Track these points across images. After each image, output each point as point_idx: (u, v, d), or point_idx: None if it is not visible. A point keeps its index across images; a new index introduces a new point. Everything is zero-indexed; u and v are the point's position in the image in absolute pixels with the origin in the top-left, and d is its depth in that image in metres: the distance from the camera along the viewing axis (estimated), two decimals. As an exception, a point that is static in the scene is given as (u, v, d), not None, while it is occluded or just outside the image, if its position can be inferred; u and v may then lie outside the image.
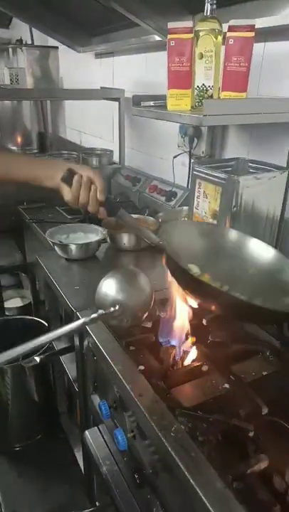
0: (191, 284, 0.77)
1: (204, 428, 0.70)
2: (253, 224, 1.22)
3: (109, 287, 0.84)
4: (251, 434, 0.69)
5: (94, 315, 0.80)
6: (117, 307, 0.81)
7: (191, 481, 0.58)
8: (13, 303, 2.13)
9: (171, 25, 1.12)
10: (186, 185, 1.66)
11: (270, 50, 1.30)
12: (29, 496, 1.27)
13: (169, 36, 1.12)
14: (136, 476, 0.77)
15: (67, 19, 2.22)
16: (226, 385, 0.80)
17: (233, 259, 0.98)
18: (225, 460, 0.64)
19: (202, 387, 0.79)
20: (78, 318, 1.00)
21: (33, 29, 2.81)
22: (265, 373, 0.84)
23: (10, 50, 3.05)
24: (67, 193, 1.12)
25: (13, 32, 3.40)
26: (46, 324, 1.48)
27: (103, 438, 0.98)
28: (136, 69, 2.01)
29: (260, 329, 0.96)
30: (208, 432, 0.69)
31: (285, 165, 1.24)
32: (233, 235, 1.05)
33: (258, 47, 1.30)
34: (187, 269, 0.77)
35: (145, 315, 0.85)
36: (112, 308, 0.81)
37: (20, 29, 3.17)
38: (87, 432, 1.00)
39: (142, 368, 0.83)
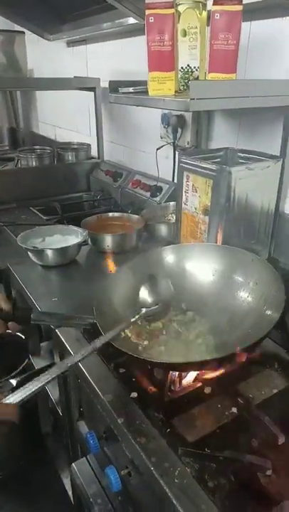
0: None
1: (214, 469, 0.58)
2: (246, 219, 1.11)
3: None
4: (269, 472, 0.58)
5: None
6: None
7: None
8: (-11, 313, 1.97)
9: (149, -1, 0.99)
10: (171, 179, 1.54)
11: (257, 30, 1.19)
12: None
13: (148, 12, 1.00)
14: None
15: (35, 4, 2.05)
16: (234, 410, 0.69)
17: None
18: (242, 511, 0.53)
19: (206, 414, 0.68)
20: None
21: (-1, 16, 2.62)
22: (275, 391, 0.74)
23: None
24: None
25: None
26: (24, 337, 1.34)
27: (93, 471, 0.86)
28: (111, 57, 1.87)
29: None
30: (219, 473, 0.58)
31: (278, 153, 1.14)
32: (168, 259, 0.97)
33: (243, 27, 1.19)
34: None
35: None
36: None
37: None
38: (74, 465, 0.88)
39: (134, 395, 0.71)
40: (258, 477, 0.57)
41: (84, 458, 0.89)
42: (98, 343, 0.67)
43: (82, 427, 0.91)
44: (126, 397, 0.70)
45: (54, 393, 1.09)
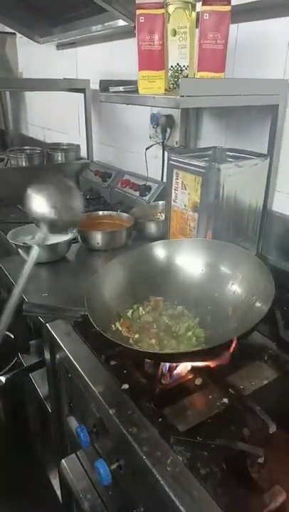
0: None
1: (205, 457, 0.58)
2: (235, 217, 1.12)
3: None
4: (261, 460, 0.58)
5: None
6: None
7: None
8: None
9: None
10: (160, 179, 1.55)
11: (244, 32, 1.21)
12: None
13: (138, 12, 1.01)
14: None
15: (25, 7, 2.06)
16: (225, 400, 0.69)
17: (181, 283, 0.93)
18: (234, 497, 0.53)
19: (197, 404, 0.68)
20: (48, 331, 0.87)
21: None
22: (266, 382, 0.74)
23: None
24: None
25: None
26: (12, 336, 1.33)
27: (83, 467, 0.85)
28: (101, 60, 1.88)
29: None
30: (211, 461, 0.58)
31: (265, 152, 1.16)
32: (159, 254, 0.98)
33: (230, 29, 1.22)
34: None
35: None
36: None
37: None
38: (63, 461, 0.86)
39: (126, 386, 0.71)
40: (250, 464, 0.57)
41: (74, 454, 0.88)
42: None
43: (72, 423, 0.90)
44: (117, 389, 0.70)
45: (42, 389, 1.07)
